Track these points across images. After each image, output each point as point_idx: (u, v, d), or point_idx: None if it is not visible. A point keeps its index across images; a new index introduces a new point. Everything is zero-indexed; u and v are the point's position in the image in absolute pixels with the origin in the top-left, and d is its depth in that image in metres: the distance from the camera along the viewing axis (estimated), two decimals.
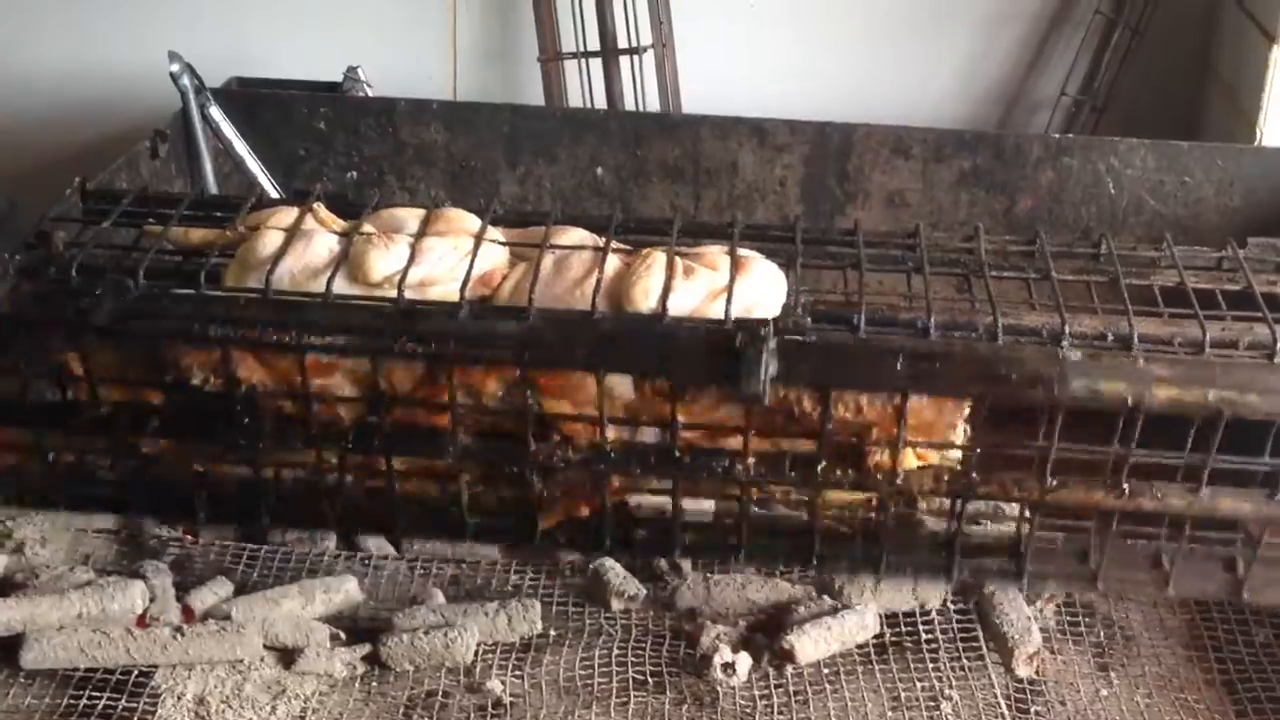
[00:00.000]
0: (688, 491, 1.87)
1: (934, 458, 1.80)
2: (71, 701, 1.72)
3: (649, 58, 3.15)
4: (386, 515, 1.91)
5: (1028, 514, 1.83)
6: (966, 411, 1.78)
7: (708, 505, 1.97)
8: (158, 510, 2.01)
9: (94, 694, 1.73)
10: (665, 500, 1.90)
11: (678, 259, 1.84)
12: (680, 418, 1.77)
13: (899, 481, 1.77)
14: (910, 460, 1.78)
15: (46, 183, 2.30)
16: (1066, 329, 1.76)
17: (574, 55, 3.16)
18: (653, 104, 3.16)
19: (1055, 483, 1.74)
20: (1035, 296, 1.93)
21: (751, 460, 1.77)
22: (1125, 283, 1.86)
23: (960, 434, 1.79)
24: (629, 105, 3.15)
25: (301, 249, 1.86)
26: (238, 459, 1.90)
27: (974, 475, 1.77)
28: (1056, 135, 2.98)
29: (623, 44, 3.14)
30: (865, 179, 2.81)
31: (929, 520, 1.95)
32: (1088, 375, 1.69)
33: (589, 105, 3.16)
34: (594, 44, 3.15)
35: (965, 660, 1.84)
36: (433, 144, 2.84)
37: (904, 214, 2.79)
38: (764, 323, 1.70)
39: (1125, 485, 1.73)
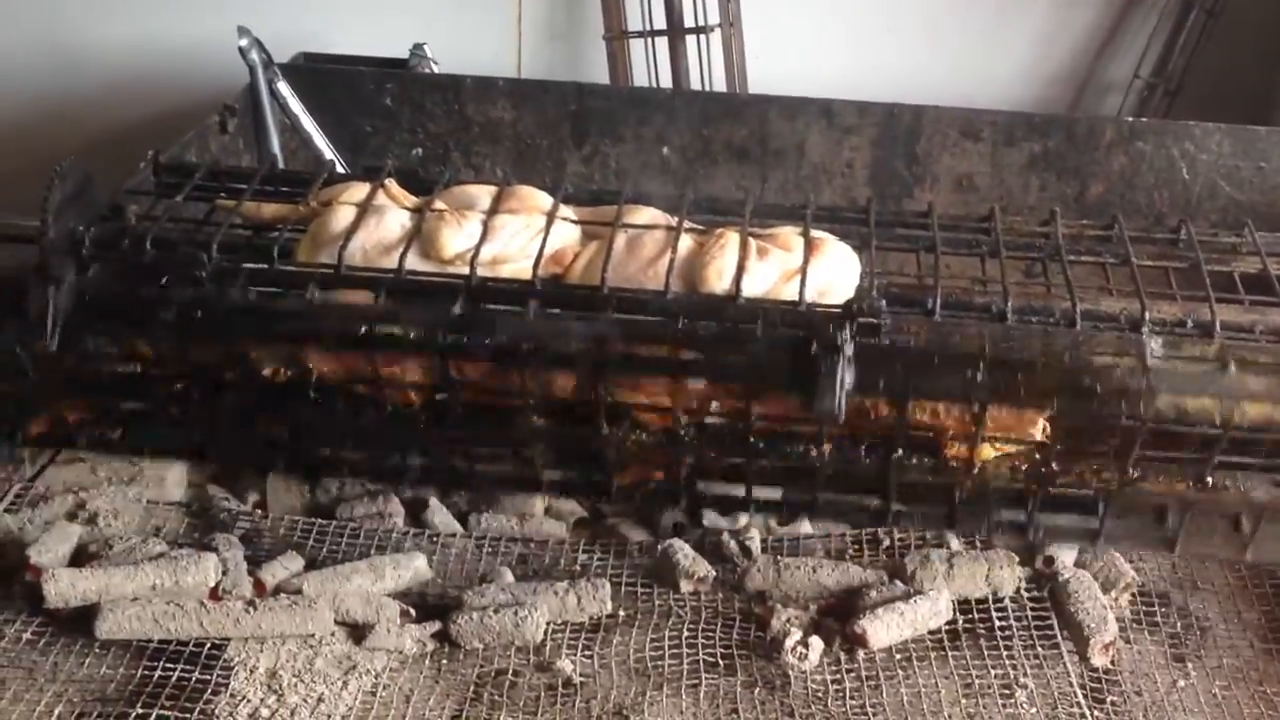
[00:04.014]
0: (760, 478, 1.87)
1: (1011, 447, 1.78)
2: (146, 673, 1.73)
3: (715, 37, 3.13)
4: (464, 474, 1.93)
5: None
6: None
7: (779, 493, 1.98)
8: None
9: (168, 665, 1.73)
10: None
11: (751, 240, 1.82)
12: (755, 408, 1.76)
13: (975, 473, 1.76)
14: (988, 451, 1.76)
15: (115, 156, 2.32)
16: (1146, 315, 1.73)
17: (640, 34, 3.15)
18: (719, 84, 3.14)
19: (1136, 474, 1.72)
20: (1112, 282, 1.91)
21: (827, 447, 1.76)
22: (1207, 269, 1.84)
23: (1041, 430, 1.76)
24: (695, 85, 3.14)
25: (374, 225, 1.86)
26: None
27: (1053, 466, 1.75)
28: (1130, 119, 2.95)
29: (689, 23, 3.12)
30: (934, 161, 2.78)
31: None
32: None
33: (654, 84, 3.14)
34: (660, 22, 3.13)
35: (1040, 649, 1.81)
36: (499, 122, 2.84)
37: (972, 198, 2.77)
38: (842, 323, 1.68)
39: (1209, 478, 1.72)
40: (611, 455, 1.86)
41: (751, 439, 1.79)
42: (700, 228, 1.89)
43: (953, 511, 1.86)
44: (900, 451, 1.76)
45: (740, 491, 1.91)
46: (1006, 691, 1.75)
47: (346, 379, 1.83)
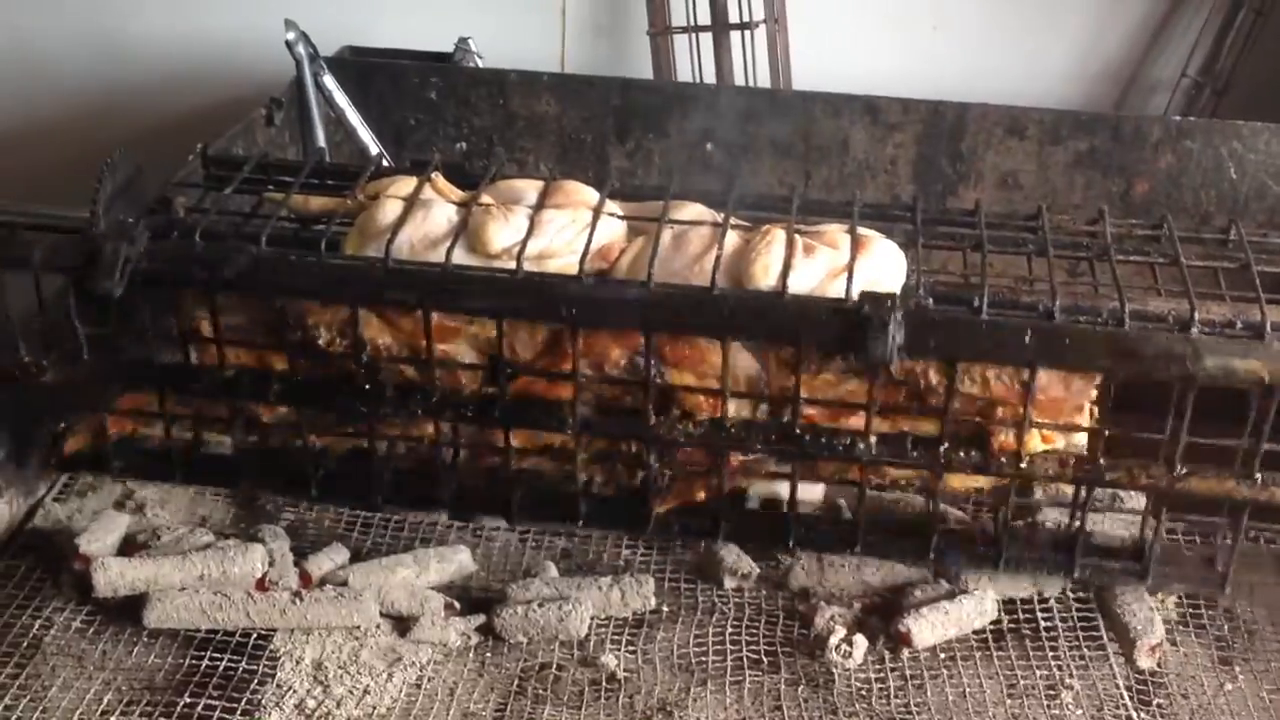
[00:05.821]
0: (806, 474, 1.86)
1: (1059, 443, 1.77)
2: (193, 662, 1.74)
3: (760, 33, 3.12)
4: (501, 497, 1.92)
5: (1153, 510, 1.82)
6: (1094, 392, 1.76)
7: (820, 493, 1.98)
8: (271, 484, 2.02)
9: (215, 655, 1.75)
10: (780, 488, 1.91)
11: (798, 237, 1.82)
12: (803, 393, 1.76)
13: (1023, 465, 1.75)
14: (1036, 444, 1.75)
15: (161, 148, 2.32)
16: (1195, 315, 1.72)
17: (684, 29, 3.13)
18: (763, 80, 3.13)
19: (1185, 470, 1.72)
20: (1160, 282, 1.89)
21: (873, 439, 1.76)
22: (1258, 269, 1.82)
23: (1087, 416, 1.76)
24: (739, 81, 3.13)
25: (421, 219, 1.86)
26: (356, 429, 1.92)
27: (1100, 461, 1.74)
28: (1177, 118, 2.92)
29: (734, 18, 3.11)
30: (978, 159, 2.76)
31: (1050, 511, 1.94)
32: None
33: (698, 80, 3.13)
34: (705, 18, 3.12)
35: (1085, 650, 1.81)
36: (543, 116, 2.84)
37: (1017, 196, 2.75)
38: (890, 294, 1.69)
39: (1259, 475, 1.71)
40: (655, 463, 1.86)
41: (798, 430, 1.78)
42: (746, 224, 1.89)
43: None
44: (946, 445, 1.75)
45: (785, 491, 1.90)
46: (1051, 692, 1.74)
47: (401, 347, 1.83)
